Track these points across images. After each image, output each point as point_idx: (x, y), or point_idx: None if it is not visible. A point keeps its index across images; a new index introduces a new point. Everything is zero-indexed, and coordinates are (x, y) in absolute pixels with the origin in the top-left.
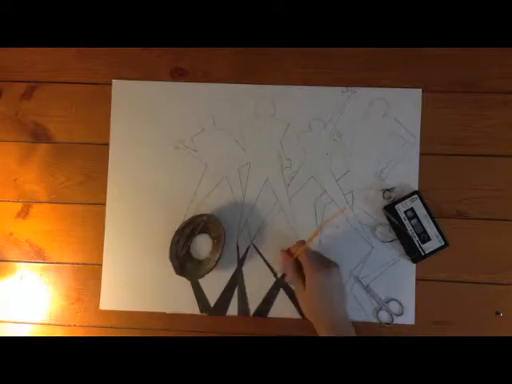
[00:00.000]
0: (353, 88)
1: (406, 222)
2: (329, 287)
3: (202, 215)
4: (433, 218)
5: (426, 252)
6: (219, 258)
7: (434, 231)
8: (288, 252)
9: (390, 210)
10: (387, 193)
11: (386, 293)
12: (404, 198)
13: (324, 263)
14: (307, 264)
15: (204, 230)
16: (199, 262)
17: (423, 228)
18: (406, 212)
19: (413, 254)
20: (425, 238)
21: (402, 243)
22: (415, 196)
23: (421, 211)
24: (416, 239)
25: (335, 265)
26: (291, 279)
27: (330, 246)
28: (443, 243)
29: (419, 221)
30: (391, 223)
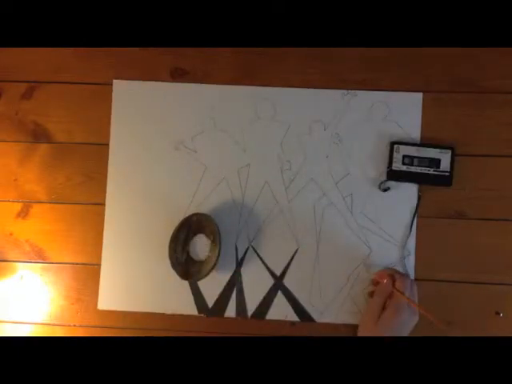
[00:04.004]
0: (353, 91)
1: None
2: (402, 330)
3: (191, 216)
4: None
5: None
6: (219, 254)
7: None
8: (389, 277)
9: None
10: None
11: None
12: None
13: (410, 307)
14: (401, 299)
15: (199, 230)
16: (201, 263)
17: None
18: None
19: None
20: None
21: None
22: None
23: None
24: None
25: (416, 313)
26: (377, 302)
27: (329, 249)
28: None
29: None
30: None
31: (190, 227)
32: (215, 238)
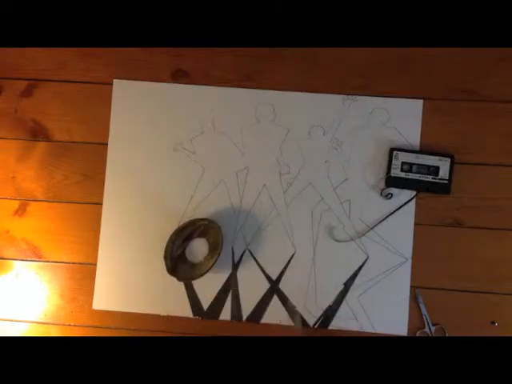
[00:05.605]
0: (354, 96)
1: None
2: None
3: (203, 219)
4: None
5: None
6: (213, 264)
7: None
8: None
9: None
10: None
11: (379, 303)
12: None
13: None
14: None
15: (202, 234)
16: (193, 265)
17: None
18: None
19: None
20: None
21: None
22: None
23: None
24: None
25: None
26: None
27: (326, 254)
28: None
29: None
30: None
31: (197, 227)
32: (215, 248)
